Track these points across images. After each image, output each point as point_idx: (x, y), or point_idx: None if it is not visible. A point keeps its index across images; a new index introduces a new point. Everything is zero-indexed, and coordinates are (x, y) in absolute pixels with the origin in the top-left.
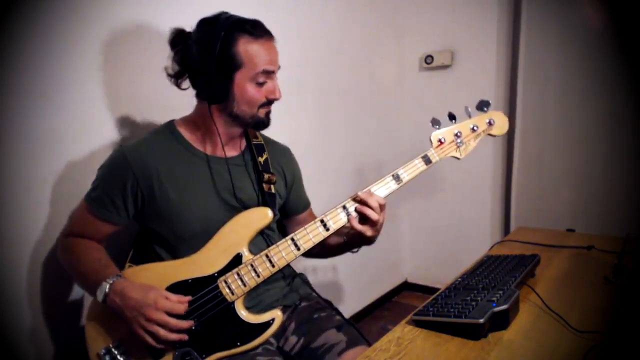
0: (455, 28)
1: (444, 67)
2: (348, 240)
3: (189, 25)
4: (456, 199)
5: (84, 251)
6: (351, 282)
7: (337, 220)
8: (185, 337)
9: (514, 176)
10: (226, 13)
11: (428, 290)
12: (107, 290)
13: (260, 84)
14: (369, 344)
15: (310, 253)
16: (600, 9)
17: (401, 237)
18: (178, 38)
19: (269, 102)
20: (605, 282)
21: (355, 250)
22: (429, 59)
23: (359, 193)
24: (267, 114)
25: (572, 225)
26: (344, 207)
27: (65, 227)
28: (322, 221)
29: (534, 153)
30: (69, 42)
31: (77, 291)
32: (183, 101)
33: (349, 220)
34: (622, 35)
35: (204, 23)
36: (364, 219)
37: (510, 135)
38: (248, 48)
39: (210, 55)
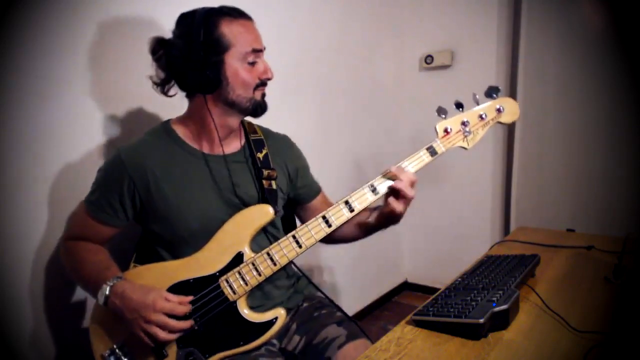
0: (455, 28)
1: (444, 67)
2: (374, 222)
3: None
4: (456, 199)
5: (84, 254)
6: (351, 282)
7: (339, 216)
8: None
9: (514, 176)
10: (203, 7)
11: (428, 290)
12: (107, 292)
13: (251, 64)
14: (369, 338)
15: (333, 239)
16: (600, 9)
17: (401, 237)
18: (158, 45)
19: (263, 83)
20: (605, 282)
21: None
22: (429, 59)
23: (392, 168)
24: (263, 96)
25: (572, 225)
26: (346, 202)
27: (66, 231)
28: (324, 217)
29: (534, 153)
30: (68, 42)
31: (79, 293)
32: (181, 99)
33: (388, 194)
34: (622, 35)
35: (182, 17)
36: (395, 194)
37: (510, 135)
38: (232, 28)
39: (195, 43)
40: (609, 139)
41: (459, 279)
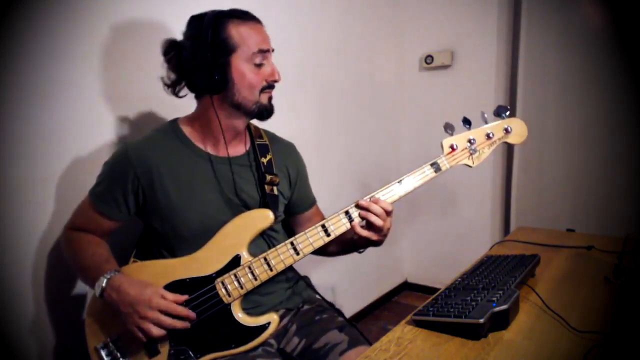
0: (455, 28)
1: (444, 67)
2: (354, 243)
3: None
4: (456, 199)
5: (85, 245)
6: (351, 282)
7: (339, 226)
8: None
9: (514, 176)
10: (213, 10)
11: (428, 290)
12: (104, 285)
13: (258, 66)
14: (370, 344)
15: (315, 252)
16: (600, 8)
17: (401, 237)
18: (170, 46)
19: (270, 86)
20: (605, 282)
21: (361, 250)
22: (429, 59)
23: (361, 200)
24: (270, 99)
25: (572, 225)
26: (347, 213)
27: (70, 220)
28: (323, 226)
29: (534, 153)
30: (68, 42)
31: (80, 286)
32: (184, 100)
33: (352, 226)
34: (622, 35)
35: (192, 19)
36: (369, 224)
37: None
38: (239, 30)
39: (203, 45)
40: (609, 139)
41: (459, 279)
